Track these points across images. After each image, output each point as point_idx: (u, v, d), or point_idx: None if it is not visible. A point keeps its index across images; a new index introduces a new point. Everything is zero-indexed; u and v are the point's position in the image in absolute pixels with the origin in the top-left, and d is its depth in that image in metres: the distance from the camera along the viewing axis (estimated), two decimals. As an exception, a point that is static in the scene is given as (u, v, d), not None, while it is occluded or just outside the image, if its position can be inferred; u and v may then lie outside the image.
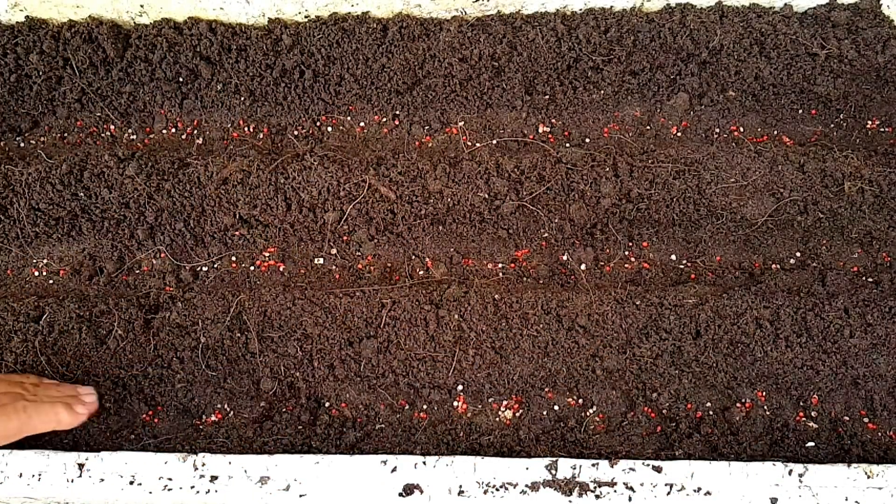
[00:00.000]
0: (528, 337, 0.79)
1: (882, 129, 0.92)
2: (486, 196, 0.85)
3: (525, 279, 0.85)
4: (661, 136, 0.91)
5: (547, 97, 0.92)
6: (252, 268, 0.88)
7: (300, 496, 0.69)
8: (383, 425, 0.79)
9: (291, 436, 0.78)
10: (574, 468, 0.69)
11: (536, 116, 0.92)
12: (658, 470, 0.69)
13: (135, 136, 0.94)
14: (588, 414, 0.79)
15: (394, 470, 0.70)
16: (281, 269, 0.88)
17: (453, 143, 0.92)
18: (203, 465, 0.71)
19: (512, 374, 0.79)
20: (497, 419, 0.79)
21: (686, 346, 0.78)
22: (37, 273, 0.88)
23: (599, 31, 0.89)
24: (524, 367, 0.79)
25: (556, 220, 0.86)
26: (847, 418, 0.78)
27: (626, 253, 0.87)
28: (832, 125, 0.92)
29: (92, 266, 0.87)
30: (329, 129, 0.93)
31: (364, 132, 0.93)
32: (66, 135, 0.94)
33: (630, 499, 0.68)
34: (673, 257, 0.87)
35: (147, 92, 0.93)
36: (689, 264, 0.87)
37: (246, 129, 0.93)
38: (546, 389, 0.80)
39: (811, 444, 0.77)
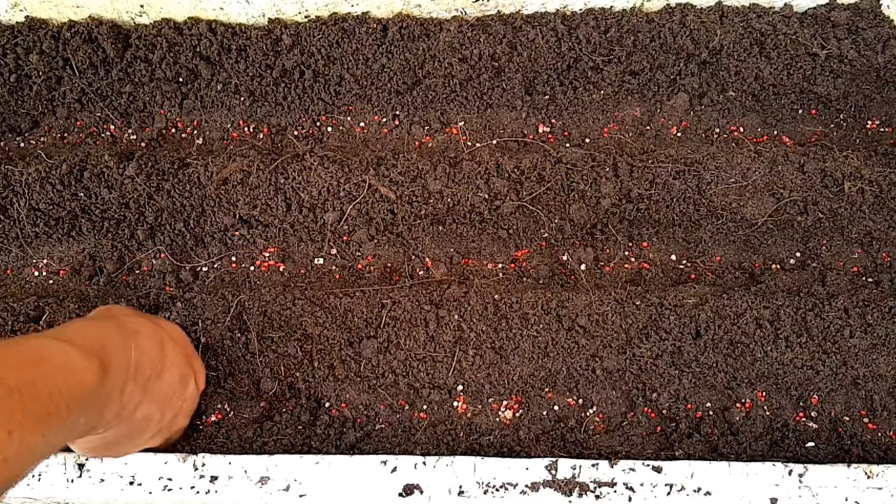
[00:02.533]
0: (528, 337, 0.79)
1: (882, 129, 0.92)
2: (486, 196, 0.85)
3: (525, 279, 0.85)
4: (661, 136, 0.92)
5: (547, 97, 0.92)
6: (252, 268, 0.88)
7: (300, 496, 0.69)
8: (383, 425, 0.79)
9: (291, 436, 0.78)
10: (574, 468, 0.69)
11: (536, 116, 0.92)
12: (658, 470, 0.69)
13: (135, 136, 0.94)
14: (588, 414, 0.79)
15: (394, 470, 0.70)
16: (281, 269, 0.88)
17: (453, 143, 0.92)
18: (203, 465, 0.71)
19: (512, 374, 0.79)
20: (497, 419, 0.79)
21: (686, 346, 0.78)
22: (37, 273, 0.88)
23: (599, 31, 0.89)
24: (524, 367, 0.79)
25: (556, 220, 0.86)
26: (847, 418, 0.78)
27: (626, 253, 0.87)
28: (832, 125, 0.92)
29: (92, 266, 0.87)
30: (329, 129, 0.93)
31: (364, 132, 0.93)
32: (66, 135, 0.94)
33: (630, 499, 0.68)
34: (673, 257, 0.87)
35: (147, 92, 0.93)
36: (689, 264, 0.87)
37: (246, 129, 0.93)
38: (546, 389, 0.80)
39: (811, 444, 0.77)
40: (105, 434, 0.61)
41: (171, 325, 0.70)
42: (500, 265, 0.87)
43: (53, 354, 0.50)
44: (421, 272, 0.86)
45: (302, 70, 0.91)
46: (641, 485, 0.69)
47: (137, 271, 0.88)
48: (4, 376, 0.46)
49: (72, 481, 0.70)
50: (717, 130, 0.92)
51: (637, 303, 0.80)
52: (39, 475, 0.71)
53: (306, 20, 0.91)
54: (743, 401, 0.79)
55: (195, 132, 0.94)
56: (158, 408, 0.62)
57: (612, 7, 0.90)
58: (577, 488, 0.68)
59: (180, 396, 0.65)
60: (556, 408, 0.80)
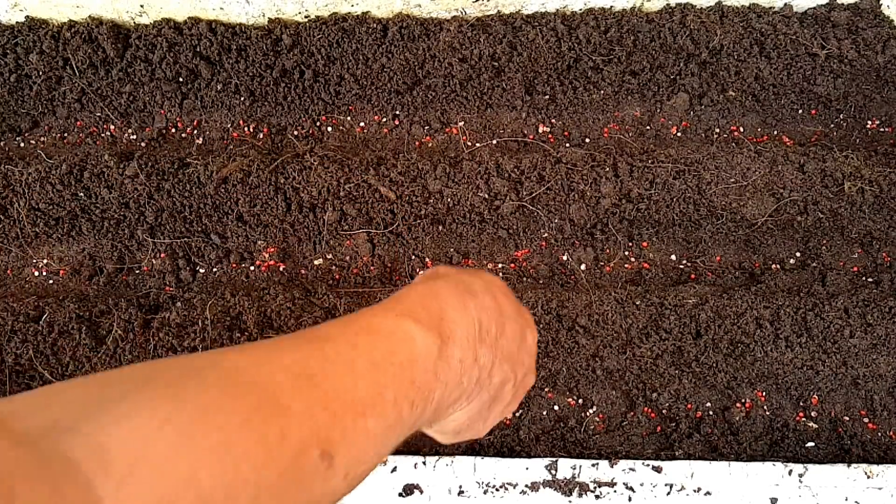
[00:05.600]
0: (528, 337, 0.79)
1: (882, 129, 0.92)
2: (486, 196, 0.85)
3: (525, 279, 0.85)
4: (661, 136, 0.91)
5: (547, 97, 0.92)
6: (252, 268, 0.88)
7: (300, 496, 0.69)
8: (383, 425, 0.79)
9: (291, 436, 0.78)
10: (574, 468, 0.69)
11: (536, 116, 0.92)
12: (658, 470, 0.69)
13: (135, 136, 0.94)
14: (588, 414, 0.79)
15: (394, 470, 0.70)
16: (281, 269, 0.88)
17: (453, 143, 0.92)
18: (203, 465, 0.71)
19: (512, 374, 0.79)
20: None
21: (686, 346, 0.78)
22: (37, 273, 0.88)
23: (599, 31, 0.89)
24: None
25: (556, 220, 0.86)
26: (847, 418, 0.78)
27: (626, 253, 0.87)
28: (832, 125, 0.92)
29: (92, 266, 0.87)
30: (329, 129, 0.93)
31: (364, 132, 0.93)
32: (66, 135, 0.94)
33: (630, 499, 0.68)
34: (673, 257, 0.87)
35: (147, 92, 0.93)
36: (689, 264, 0.87)
37: (246, 129, 0.93)
38: (546, 389, 0.80)
39: (811, 444, 0.77)
40: (469, 408, 0.55)
41: (492, 274, 0.63)
42: (500, 265, 0.87)
43: (401, 342, 0.43)
44: (421, 272, 0.85)
45: (302, 70, 0.91)
46: (641, 485, 0.69)
47: (137, 271, 0.88)
48: (359, 396, 0.38)
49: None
50: (717, 130, 0.92)
51: (637, 303, 0.79)
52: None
53: (306, 20, 0.91)
54: (743, 401, 0.79)
55: (195, 132, 0.94)
56: (511, 367, 0.56)
57: (612, 7, 0.90)
58: (577, 488, 0.68)
59: (524, 350, 0.58)
60: (556, 408, 0.80)
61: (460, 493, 0.69)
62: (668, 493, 0.68)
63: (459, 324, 0.49)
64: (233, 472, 0.30)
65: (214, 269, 0.87)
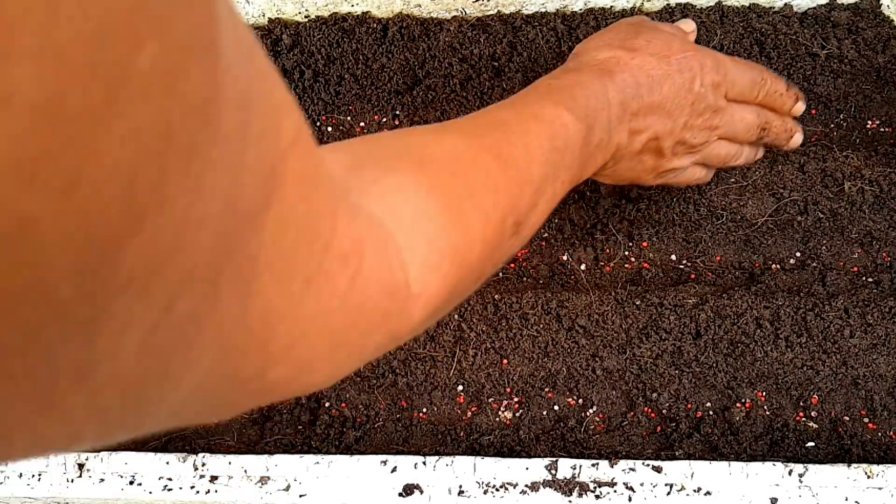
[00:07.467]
0: (528, 337, 0.79)
1: (882, 129, 0.92)
2: (486, 196, 0.85)
3: (525, 279, 0.85)
4: (661, 136, 0.91)
5: (547, 97, 0.92)
6: (252, 268, 0.88)
7: (300, 496, 0.69)
8: (383, 425, 0.79)
9: (291, 436, 0.78)
10: (574, 468, 0.70)
11: (536, 116, 0.92)
12: (658, 470, 0.69)
13: (135, 136, 0.94)
14: (588, 414, 0.79)
15: (394, 470, 0.70)
16: (281, 269, 0.88)
17: (453, 143, 0.92)
18: (203, 465, 0.71)
19: (512, 374, 0.79)
20: (497, 419, 0.79)
21: (686, 346, 0.78)
22: (37, 273, 0.88)
23: (599, 31, 0.89)
24: (524, 367, 0.79)
25: (556, 220, 0.86)
26: (847, 418, 0.78)
27: (626, 253, 0.87)
28: (832, 125, 0.92)
29: (92, 266, 0.87)
30: (329, 129, 0.93)
31: (364, 132, 0.93)
32: (66, 135, 0.94)
33: (630, 499, 0.68)
34: (673, 257, 0.87)
35: (147, 92, 0.93)
36: (689, 264, 0.87)
37: (246, 129, 0.93)
38: (546, 389, 0.80)
39: (811, 444, 0.77)
40: (605, 173, 0.66)
41: (650, 29, 0.65)
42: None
43: (559, 128, 0.50)
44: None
45: (302, 70, 0.91)
46: (641, 485, 0.69)
47: (137, 271, 0.88)
48: (534, 176, 0.45)
49: (72, 481, 0.71)
50: (717, 130, 0.92)
51: (637, 303, 0.80)
52: (39, 475, 0.71)
53: (306, 20, 0.91)
54: (743, 401, 0.79)
55: (195, 132, 0.94)
56: (662, 121, 0.60)
57: (612, 7, 0.90)
58: (577, 488, 0.68)
59: (689, 100, 0.61)
60: (556, 408, 0.80)
61: (460, 493, 0.69)
62: (668, 493, 0.68)
63: (600, 113, 0.55)
64: (466, 241, 0.37)
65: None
